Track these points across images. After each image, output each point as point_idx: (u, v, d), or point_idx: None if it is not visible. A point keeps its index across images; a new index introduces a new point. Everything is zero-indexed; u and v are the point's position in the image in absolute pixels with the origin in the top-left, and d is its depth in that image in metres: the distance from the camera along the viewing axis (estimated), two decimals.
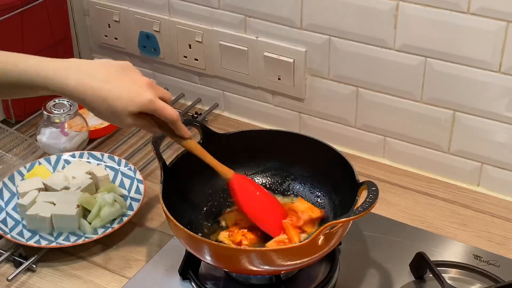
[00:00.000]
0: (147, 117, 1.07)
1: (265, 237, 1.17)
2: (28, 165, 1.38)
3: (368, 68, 1.39)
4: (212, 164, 1.17)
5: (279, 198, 1.27)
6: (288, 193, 1.29)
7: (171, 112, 1.07)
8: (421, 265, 1.16)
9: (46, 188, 1.32)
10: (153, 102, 1.05)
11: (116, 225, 1.27)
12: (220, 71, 1.59)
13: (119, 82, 1.04)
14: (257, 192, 1.21)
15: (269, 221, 1.19)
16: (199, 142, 1.24)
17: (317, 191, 1.27)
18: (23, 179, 1.35)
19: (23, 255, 1.23)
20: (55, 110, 1.45)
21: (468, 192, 1.39)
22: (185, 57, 1.61)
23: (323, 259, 1.18)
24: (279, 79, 1.50)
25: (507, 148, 1.33)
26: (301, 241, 1.06)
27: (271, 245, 1.15)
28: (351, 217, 1.03)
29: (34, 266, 1.22)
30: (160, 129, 1.11)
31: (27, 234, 1.26)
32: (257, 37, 1.49)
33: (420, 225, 1.31)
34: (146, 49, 1.65)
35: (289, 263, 1.06)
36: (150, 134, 1.48)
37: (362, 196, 1.09)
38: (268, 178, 1.31)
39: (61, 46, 1.66)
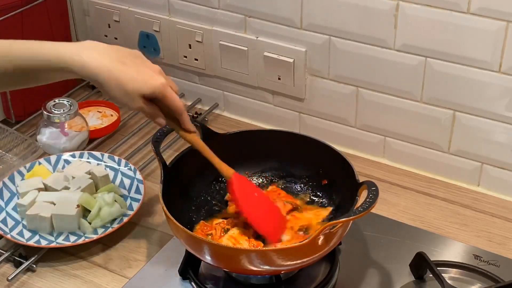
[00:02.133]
0: (155, 105, 1.09)
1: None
2: (28, 165, 1.38)
3: (368, 68, 1.39)
4: (213, 161, 1.17)
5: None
6: (288, 193, 1.28)
7: (179, 102, 1.09)
8: (421, 265, 1.16)
9: (46, 188, 1.32)
10: (165, 87, 1.07)
11: (116, 225, 1.27)
12: (220, 71, 1.58)
13: (134, 64, 1.06)
14: (255, 193, 1.21)
15: (266, 223, 1.17)
16: None
17: (317, 191, 1.27)
18: (23, 179, 1.35)
19: (23, 255, 1.23)
20: (55, 110, 1.45)
21: (468, 192, 1.39)
22: (185, 57, 1.61)
23: (323, 259, 1.18)
24: (279, 79, 1.50)
25: (507, 148, 1.33)
26: (301, 241, 1.06)
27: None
28: (351, 217, 1.03)
29: (34, 266, 1.22)
30: (165, 120, 1.11)
31: (27, 234, 1.26)
32: (257, 37, 1.49)
33: (420, 225, 1.30)
34: (146, 49, 1.64)
35: (289, 263, 1.06)
36: (150, 134, 1.49)
37: (362, 196, 1.09)
38: (268, 178, 1.31)
39: None
